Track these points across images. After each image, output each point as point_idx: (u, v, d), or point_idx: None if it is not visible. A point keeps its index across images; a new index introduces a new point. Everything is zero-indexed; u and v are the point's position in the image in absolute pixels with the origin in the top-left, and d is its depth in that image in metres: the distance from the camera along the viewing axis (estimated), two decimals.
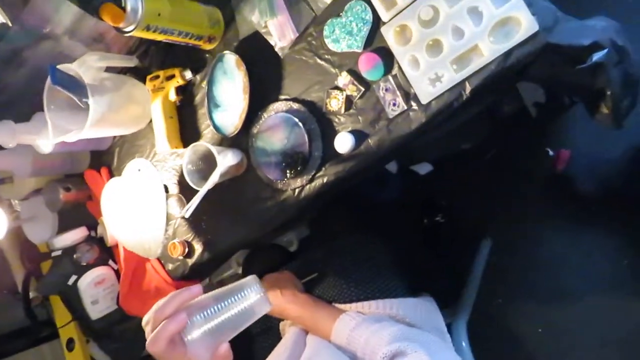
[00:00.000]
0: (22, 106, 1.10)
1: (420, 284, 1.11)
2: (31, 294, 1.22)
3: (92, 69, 0.96)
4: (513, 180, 1.46)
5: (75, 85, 0.89)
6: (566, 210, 1.42)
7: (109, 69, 1.02)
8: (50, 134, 0.97)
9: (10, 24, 0.96)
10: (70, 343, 1.25)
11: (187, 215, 0.90)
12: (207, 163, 0.95)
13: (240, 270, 1.37)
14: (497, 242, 1.48)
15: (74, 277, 1.07)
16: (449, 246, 1.51)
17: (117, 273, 1.18)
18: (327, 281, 1.06)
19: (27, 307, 1.21)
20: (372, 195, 1.34)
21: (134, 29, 0.83)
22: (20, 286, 1.30)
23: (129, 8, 0.81)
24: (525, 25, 0.71)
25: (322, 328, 0.94)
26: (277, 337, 1.10)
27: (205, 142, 0.92)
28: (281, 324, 1.11)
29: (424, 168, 1.49)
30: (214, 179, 0.91)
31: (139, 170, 1.00)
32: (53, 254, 1.12)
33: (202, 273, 1.12)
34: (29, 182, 1.17)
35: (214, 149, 0.91)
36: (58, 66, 0.93)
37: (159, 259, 1.11)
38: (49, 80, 0.97)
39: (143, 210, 1.00)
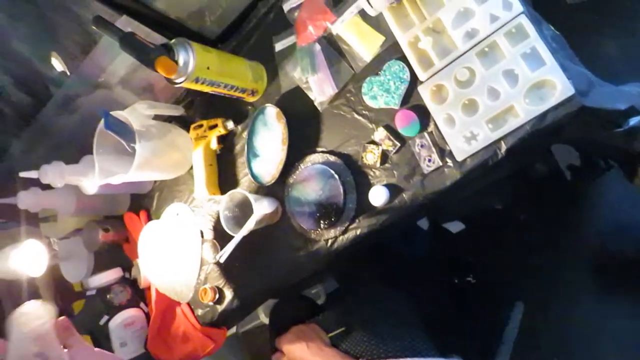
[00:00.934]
0: (70, 149, 1.17)
1: (449, 344, 1.08)
2: None
3: (141, 116, 1.01)
4: (547, 243, 1.44)
5: (125, 131, 0.94)
6: (603, 274, 1.37)
7: (155, 117, 1.07)
8: (97, 176, 1.02)
9: (68, 73, 1.04)
10: None
11: (221, 261, 0.92)
12: (243, 210, 0.97)
13: (267, 321, 1.36)
14: (530, 305, 1.43)
15: (105, 317, 1.09)
16: (479, 307, 1.47)
17: (147, 316, 1.19)
18: (354, 336, 1.04)
19: None
20: (403, 250, 1.34)
21: (184, 81, 0.88)
22: None
23: (181, 61, 0.87)
24: (561, 88, 0.73)
25: None
26: None
27: (243, 190, 0.95)
28: None
29: (455, 226, 1.48)
30: (250, 225, 0.93)
31: (177, 214, 1.03)
32: (87, 293, 1.14)
33: (230, 321, 1.12)
34: (70, 221, 1.22)
35: (250, 197, 0.93)
36: (110, 113, 0.99)
37: (188, 304, 1.12)
38: (100, 125, 1.03)
39: (178, 254, 1.02)
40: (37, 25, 0.94)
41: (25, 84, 1.01)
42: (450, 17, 0.82)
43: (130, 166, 1.02)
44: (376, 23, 0.91)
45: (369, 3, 0.85)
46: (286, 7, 1.00)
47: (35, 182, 1.06)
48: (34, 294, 1.25)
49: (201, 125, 1.08)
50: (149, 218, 1.22)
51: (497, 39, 0.78)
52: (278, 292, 1.08)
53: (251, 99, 1.05)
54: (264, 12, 1.04)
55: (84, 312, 1.15)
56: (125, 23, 0.94)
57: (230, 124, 1.07)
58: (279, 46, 1.02)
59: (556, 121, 0.74)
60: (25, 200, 1.08)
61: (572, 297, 1.41)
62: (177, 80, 0.88)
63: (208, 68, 0.90)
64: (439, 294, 1.46)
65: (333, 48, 0.96)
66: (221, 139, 1.09)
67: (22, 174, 1.01)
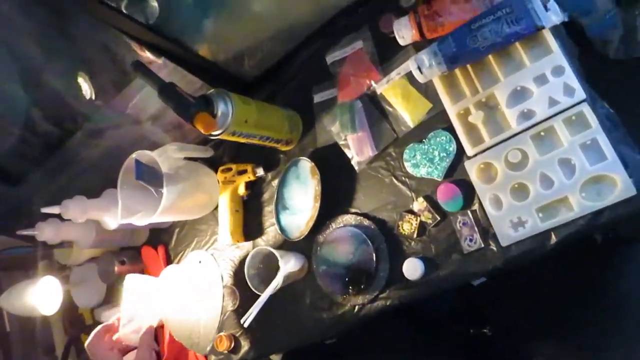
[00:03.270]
0: (92, 178, 1.14)
1: None
2: None
3: (171, 158, 0.98)
4: (569, 302, 1.39)
5: (153, 175, 0.91)
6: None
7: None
8: (120, 215, 0.99)
9: (94, 97, 1.01)
10: None
11: (245, 325, 0.89)
12: (267, 266, 0.94)
13: None
14: None
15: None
16: None
17: (157, 355, 1.16)
18: None
19: None
20: (429, 309, 1.31)
21: (220, 134, 0.85)
22: (57, 348, 1.29)
23: (219, 114, 0.83)
24: (621, 187, 0.69)
25: None
26: None
27: (269, 247, 0.92)
28: None
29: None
30: (275, 284, 0.90)
31: (200, 262, 1.00)
32: None
33: None
34: (87, 251, 1.19)
35: (277, 254, 0.90)
36: (140, 152, 0.96)
37: None
38: (126, 164, 0.99)
39: (198, 304, 0.99)
40: (72, 60, 0.91)
41: (54, 116, 0.99)
42: (506, 94, 0.78)
43: (155, 204, 0.99)
44: (424, 88, 0.87)
45: (420, 70, 0.81)
46: (329, 59, 0.97)
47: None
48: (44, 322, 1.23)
49: (230, 169, 1.05)
50: (167, 254, 1.19)
51: (555, 125, 0.74)
52: (297, 348, 1.04)
53: (285, 148, 1.01)
54: (305, 60, 1.01)
55: None
56: (162, 65, 0.91)
57: (260, 171, 1.04)
58: (317, 98, 0.98)
59: (613, 219, 0.70)
60: (45, 232, 1.05)
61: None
62: (213, 134, 0.85)
63: (246, 121, 0.87)
64: (454, 347, 1.42)
65: (376, 107, 0.92)
66: (249, 185, 1.05)
67: (44, 210, 0.98)
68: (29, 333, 1.29)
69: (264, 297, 0.89)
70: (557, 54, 0.75)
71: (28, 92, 0.92)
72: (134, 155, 0.97)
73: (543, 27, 0.74)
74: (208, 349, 1.00)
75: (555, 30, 0.75)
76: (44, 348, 1.37)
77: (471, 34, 0.78)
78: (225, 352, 1.05)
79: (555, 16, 0.73)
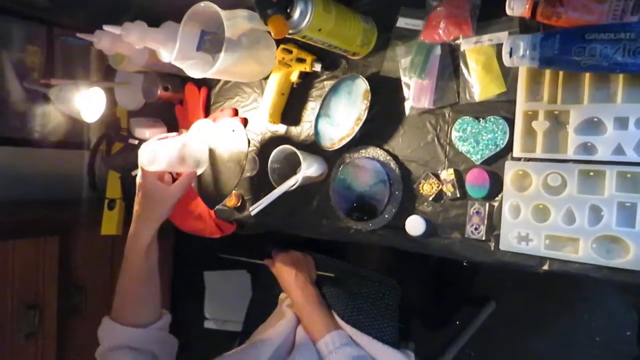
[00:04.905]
0: (155, 9, 1.12)
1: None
2: None
3: (237, 25, 0.96)
4: None
5: (215, 45, 0.91)
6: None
7: None
8: (174, 56, 1.00)
9: None
10: (112, 202, 1.39)
11: (252, 214, 0.97)
12: (291, 163, 0.99)
13: None
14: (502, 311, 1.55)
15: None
16: (456, 303, 1.58)
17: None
18: (338, 290, 1.15)
19: (92, 179, 1.36)
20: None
21: (291, 34, 0.83)
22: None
23: (296, 16, 0.80)
24: (631, 258, 0.71)
25: (314, 330, 1.05)
26: (273, 304, 1.22)
27: (296, 149, 0.96)
28: (282, 295, 1.23)
29: None
30: (292, 184, 0.96)
31: (233, 131, 1.04)
32: (130, 141, 1.20)
33: (241, 227, 1.22)
34: (137, 64, 1.21)
35: (301, 156, 0.95)
36: (209, 4, 0.92)
37: None
38: (194, 8, 0.97)
39: (221, 163, 1.06)
40: None
41: None
42: (580, 119, 0.75)
43: (209, 58, 1.00)
44: (507, 69, 0.82)
45: (510, 51, 0.75)
46: None
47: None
48: None
49: (291, 52, 1.03)
50: (208, 97, 1.23)
51: (608, 172, 0.73)
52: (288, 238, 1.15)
53: (350, 57, 0.98)
54: None
55: (122, 157, 1.22)
56: None
57: (318, 67, 1.02)
58: (402, 22, 0.92)
59: (607, 279, 0.73)
60: (102, 41, 1.08)
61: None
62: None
63: (320, 30, 0.84)
64: (426, 282, 1.53)
65: (452, 62, 0.87)
66: (302, 74, 1.05)
67: (106, 27, 0.99)
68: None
69: (276, 192, 0.96)
70: None
71: None
72: (201, 5, 0.94)
73: None
74: (216, 207, 1.10)
75: None
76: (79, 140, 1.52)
77: (581, 43, 0.70)
78: (231, 207, 1.17)
79: None
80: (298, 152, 0.95)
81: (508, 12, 0.78)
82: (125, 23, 1.01)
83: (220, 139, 1.06)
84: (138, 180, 0.96)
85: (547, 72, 0.77)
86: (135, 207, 0.95)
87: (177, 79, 1.26)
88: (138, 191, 0.95)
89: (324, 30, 0.84)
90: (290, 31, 0.82)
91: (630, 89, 0.71)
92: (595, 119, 0.74)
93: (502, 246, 0.81)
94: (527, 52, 0.73)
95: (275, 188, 0.98)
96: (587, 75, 0.74)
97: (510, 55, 0.75)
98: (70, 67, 1.58)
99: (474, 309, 1.54)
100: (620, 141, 0.71)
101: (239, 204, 1.16)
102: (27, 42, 1.53)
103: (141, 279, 0.94)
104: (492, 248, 0.83)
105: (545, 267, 0.78)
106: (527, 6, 0.76)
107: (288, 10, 0.80)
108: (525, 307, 1.55)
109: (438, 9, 0.87)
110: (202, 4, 0.95)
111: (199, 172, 1.03)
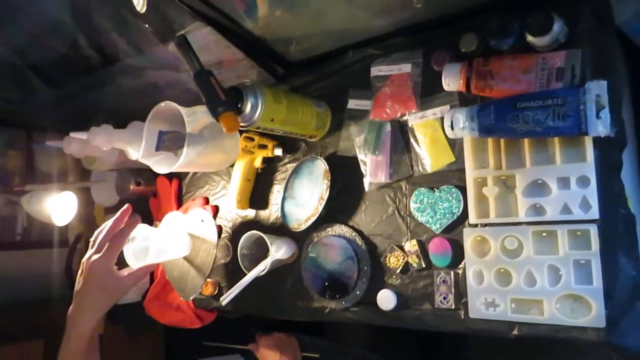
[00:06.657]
0: (121, 111, 1.18)
1: None
2: None
3: (198, 120, 1.00)
4: None
5: (176, 143, 0.95)
6: None
7: None
8: (141, 154, 1.04)
9: (142, 52, 1.01)
10: None
11: (223, 304, 0.97)
12: (260, 248, 1.00)
13: None
14: None
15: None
16: None
17: (151, 275, 1.28)
18: None
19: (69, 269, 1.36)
20: None
21: (245, 127, 0.87)
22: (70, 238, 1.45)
23: (247, 110, 0.84)
24: (594, 315, 0.71)
25: None
26: None
27: (263, 234, 0.97)
28: None
29: None
30: (261, 269, 0.97)
31: (202, 221, 1.06)
32: None
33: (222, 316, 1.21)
34: (108, 164, 1.26)
35: (269, 241, 0.96)
36: (169, 104, 0.97)
37: None
38: (156, 109, 1.01)
39: (193, 254, 1.07)
40: (119, 12, 0.90)
41: (98, 46, 1.00)
42: (526, 182, 0.77)
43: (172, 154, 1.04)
44: (453, 140, 0.85)
45: (451, 124, 0.79)
46: (374, 71, 0.94)
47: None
48: None
49: (252, 139, 1.07)
50: (179, 188, 1.26)
51: (559, 232, 0.74)
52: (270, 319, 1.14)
53: (308, 139, 1.02)
54: (351, 62, 0.98)
55: None
56: (208, 34, 0.90)
57: (279, 151, 1.06)
58: (352, 103, 0.97)
59: (575, 340, 0.73)
60: (72, 145, 1.12)
61: None
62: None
63: (272, 120, 0.88)
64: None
65: (402, 137, 0.91)
66: (265, 159, 1.08)
67: (72, 134, 1.04)
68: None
69: (247, 279, 0.97)
70: (589, 165, 0.72)
71: (76, 22, 0.93)
72: (162, 105, 0.98)
73: (586, 134, 0.71)
74: (191, 298, 1.10)
75: (597, 141, 0.72)
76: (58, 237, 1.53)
77: (514, 112, 0.74)
78: (209, 296, 1.16)
79: (602, 127, 0.69)
80: (265, 236, 0.97)
81: (445, 87, 0.83)
82: (92, 127, 1.06)
83: (190, 230, 1.08)
84: (84, 260, 0.91)
85: (490, 140, 0.80)
86: (81, 289, 0.90)
87: (148, 172, 1.29)
88: (85, 272, 0.90)
89: (277, 120, 0.89)
90: (243, 124, 0.86)
91: (567, 150, 0.74)
92: (540, 181, 0.76)
93: (472, 314, 0.81)
94: (467, 123, 0.77)
95: (246, 275, 0.98)
96: (526, 140, 0.77)
97: (452, 128, 0.79)
98: (49, 168, 1.62)
99: None
100: (566, 200, 0.74)
101: (215, 292, 1.16)
102: (9, 147, 1.58)
103: None
104: (462, 316, 0.83)
105: (515, 332, 0.78)
106: (461, 81, 0.81)
107: (239, 106, 0.84)
108: None
109: (383, 89, 0.92)
110: (162, 104, 1.00)
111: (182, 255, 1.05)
